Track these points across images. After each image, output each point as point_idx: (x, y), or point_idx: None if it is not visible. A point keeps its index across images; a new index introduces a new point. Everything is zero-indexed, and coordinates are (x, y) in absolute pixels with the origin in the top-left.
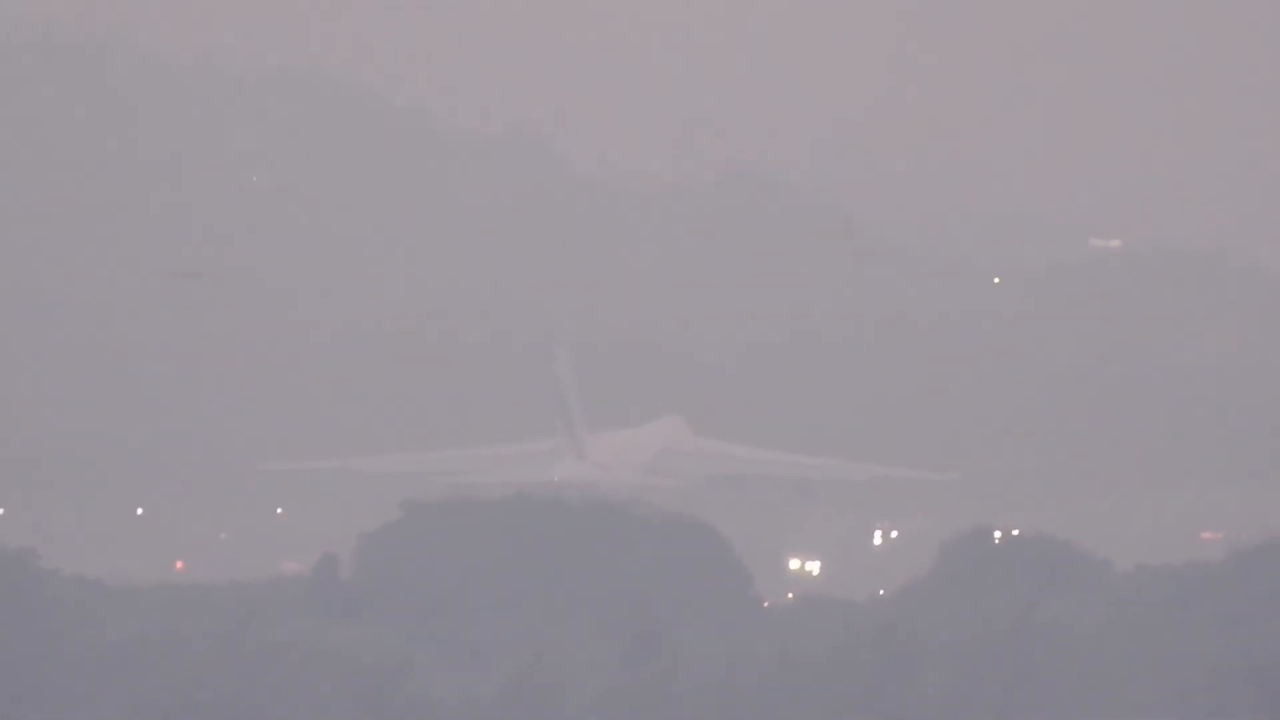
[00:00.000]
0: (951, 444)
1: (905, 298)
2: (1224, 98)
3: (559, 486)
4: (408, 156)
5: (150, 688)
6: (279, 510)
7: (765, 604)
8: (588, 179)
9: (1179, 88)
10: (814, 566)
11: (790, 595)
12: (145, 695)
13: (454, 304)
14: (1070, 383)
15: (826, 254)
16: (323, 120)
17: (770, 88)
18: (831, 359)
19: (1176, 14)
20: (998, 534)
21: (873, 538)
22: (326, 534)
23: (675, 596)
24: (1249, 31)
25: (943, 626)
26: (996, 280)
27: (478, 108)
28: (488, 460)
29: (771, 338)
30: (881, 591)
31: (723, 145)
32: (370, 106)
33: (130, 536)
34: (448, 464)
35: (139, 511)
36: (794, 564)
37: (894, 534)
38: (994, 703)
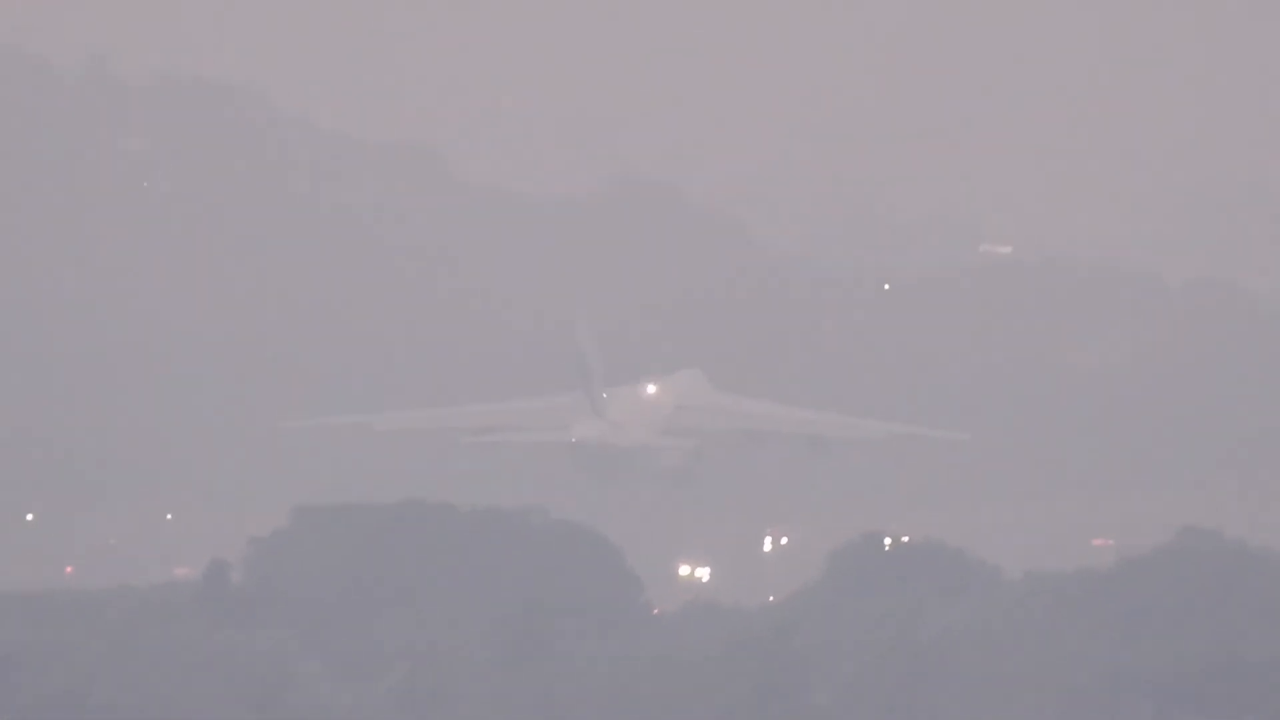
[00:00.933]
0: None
1: (795, 306)
2: (1117, 109)
3: (576, 446)
4: (292, 162)
5: (40, 694)
6: (168, 516)
7: (655, 611)
8: (479, 185)
9: (1073, 98)
10: (704, 573)
11: (681, 602)
12: (35, 701)
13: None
14: (960, 389)
15: (719, 264)
16: (211, 127)
17: (667, 95)
18: (715, 371)
19: (1069, 25)
20: (888, 540)
21: (763, 544)
22: (218, 539)
23: (565, 603)
24: (1141, 44)
25: (832, 633)
26: (886, 286)
27: (366, 115)
28: (504, 415)
29: (664, 349)
30: (771, 598)
31: (618, 153)
32: (256, 112)
33: (19, 542)
34: (462, 419)
35: (29, 518)
36: (684, 570)
37: (784, 540)
38: (883, 708)
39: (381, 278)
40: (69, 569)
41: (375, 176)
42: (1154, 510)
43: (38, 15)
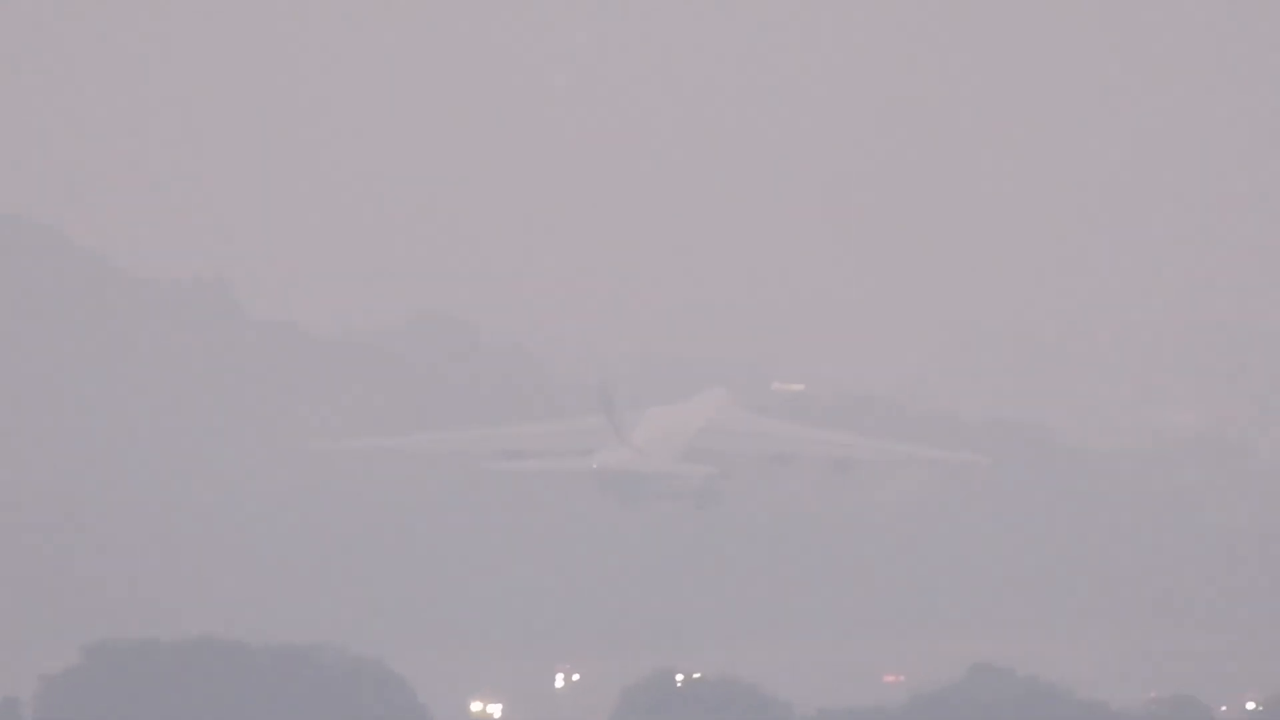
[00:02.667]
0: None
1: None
2: (919, 243)
3: (597, 473)
4: (90, 299)
5: None
6: None
7: None
8: (271, 323)
9: (878, 230)
10: (496, 709)
11: None
12: None
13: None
14: (755, 528)
15: (518, 398)
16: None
17: (458, 228)
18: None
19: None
20: (680, 676)
21: (554, 680)
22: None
23: None
24: (937, 183)
25: None
26: None
27: (160, 253)
28: (528, 438)
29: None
30: None
31: (413, 288)
32: (52, 248)
33: None
34: (488, 443)
35: None
36: (476, 707)
37: (575, 676)
38: None
39: (173, 417)
40: None
41: (168, 313)
42: (946, 648)
43: None
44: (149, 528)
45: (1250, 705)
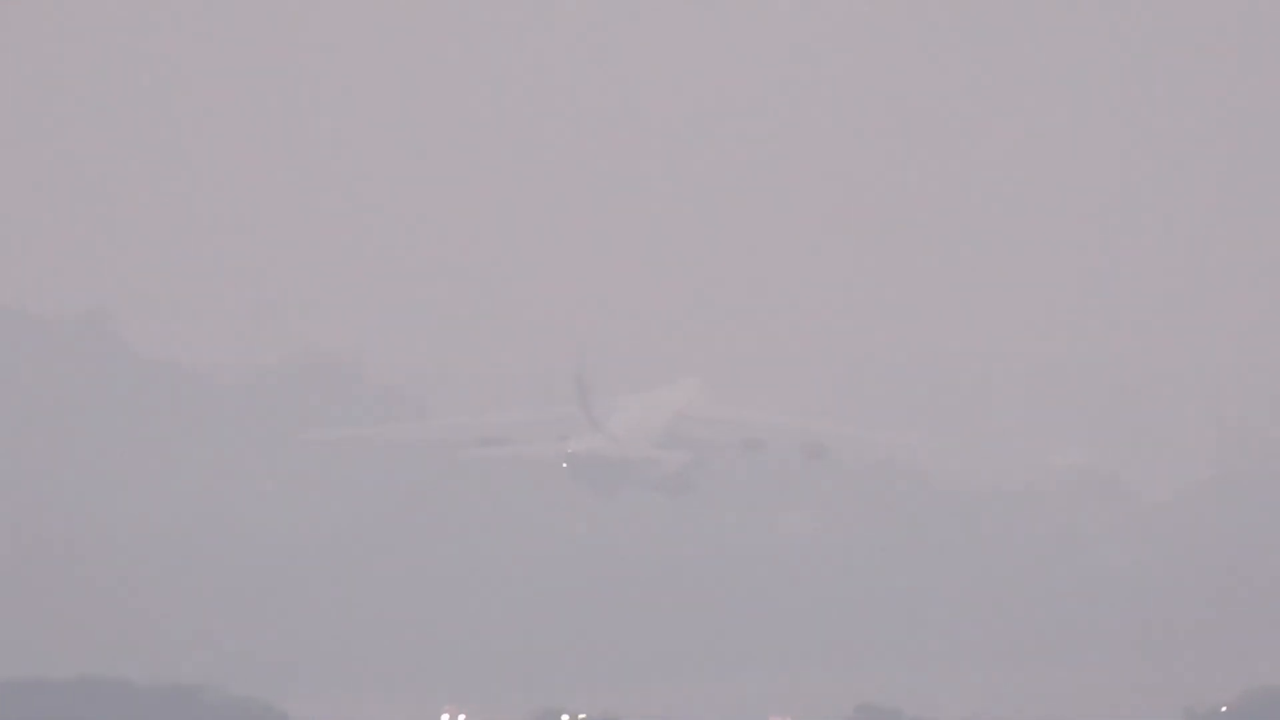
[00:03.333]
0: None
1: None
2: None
3: (571, 458)
4: None
5: None
6: None
7: None
8: (157, 362)
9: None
10: None
11: None
12: None
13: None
14: (642, 567)
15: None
16: None
17: (349, 272)
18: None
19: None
20: (565, 717)
21: None
22: None
23: None
24: (808, 211)
25: None
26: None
27: (43, 291)
28: (504, 427)
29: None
30: None
31: (298, 330)
32: None
33: None
34: (464, 431)
35: None
36: None
37: (461, 717)
38: None
39: (54, 452)
40: None
41: (50, 351)
42: (832, 687)
43: None
44: (33, 566)
45: None
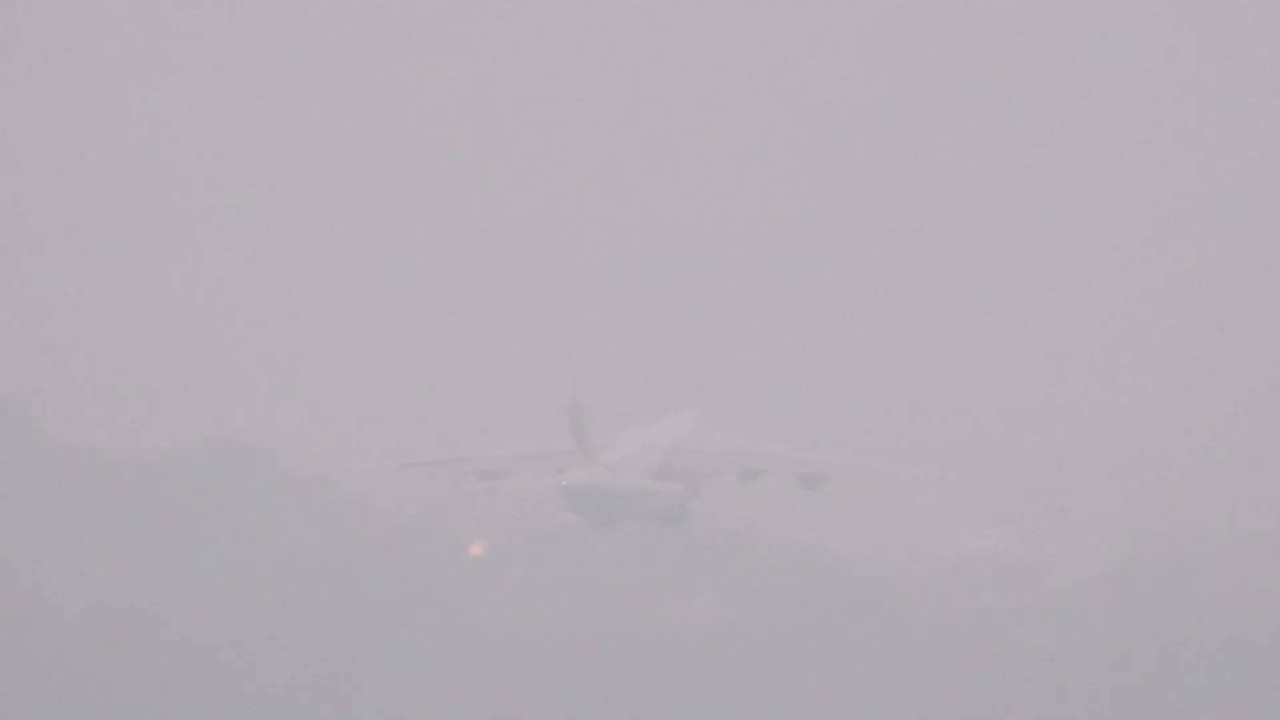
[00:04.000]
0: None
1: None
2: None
3: (568, 491)
4: None
5: None
6: None
7: None
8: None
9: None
10: None
11: None
12: None
13: None
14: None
15: (309, 526)
16: None
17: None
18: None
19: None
20: None
21: None
22: None
23: None
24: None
25: None
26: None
27: None
28: (496, 461)
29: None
30: None
31: (205, 411)
32: None
33: None
34: (462, 466)
35: None
36: None
37: None
38: None
39: None
40: None
41: None
42: None
43: None
44: None
45: None
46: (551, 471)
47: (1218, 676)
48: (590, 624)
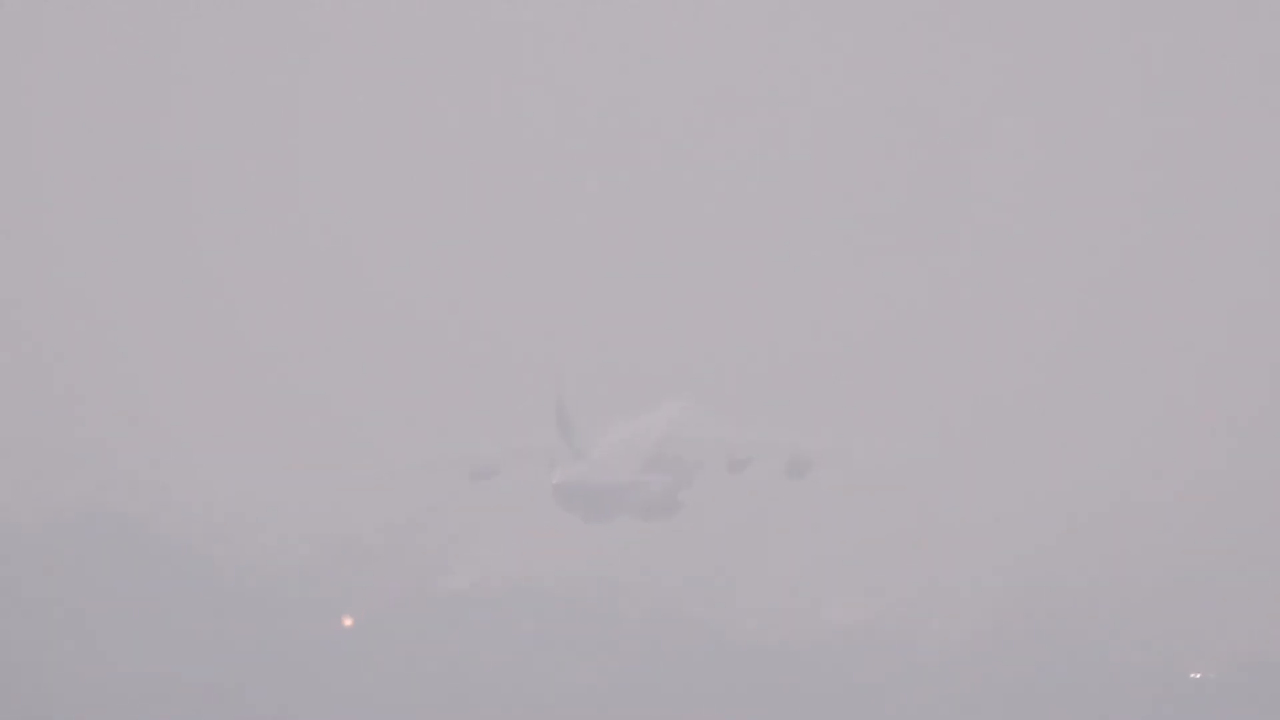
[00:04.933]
0: None
1: None
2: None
3: (557, 489)
4: None
5: None
6: None
7: None
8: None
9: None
10: None
11: None
12: None
13: None
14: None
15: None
16: None
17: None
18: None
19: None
20: None
21: None
22: None
23: None
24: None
25: None
26: None
27: None
28: (484, 459)
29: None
30: None
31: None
32: None
33: None
34: (450, 464)
35: None
36: None
37: None
38: None
39: None
40: None
41: None
42: None
43: None
44: None
45: None
46: (542, 468)
47: None
48: (456, 695)
